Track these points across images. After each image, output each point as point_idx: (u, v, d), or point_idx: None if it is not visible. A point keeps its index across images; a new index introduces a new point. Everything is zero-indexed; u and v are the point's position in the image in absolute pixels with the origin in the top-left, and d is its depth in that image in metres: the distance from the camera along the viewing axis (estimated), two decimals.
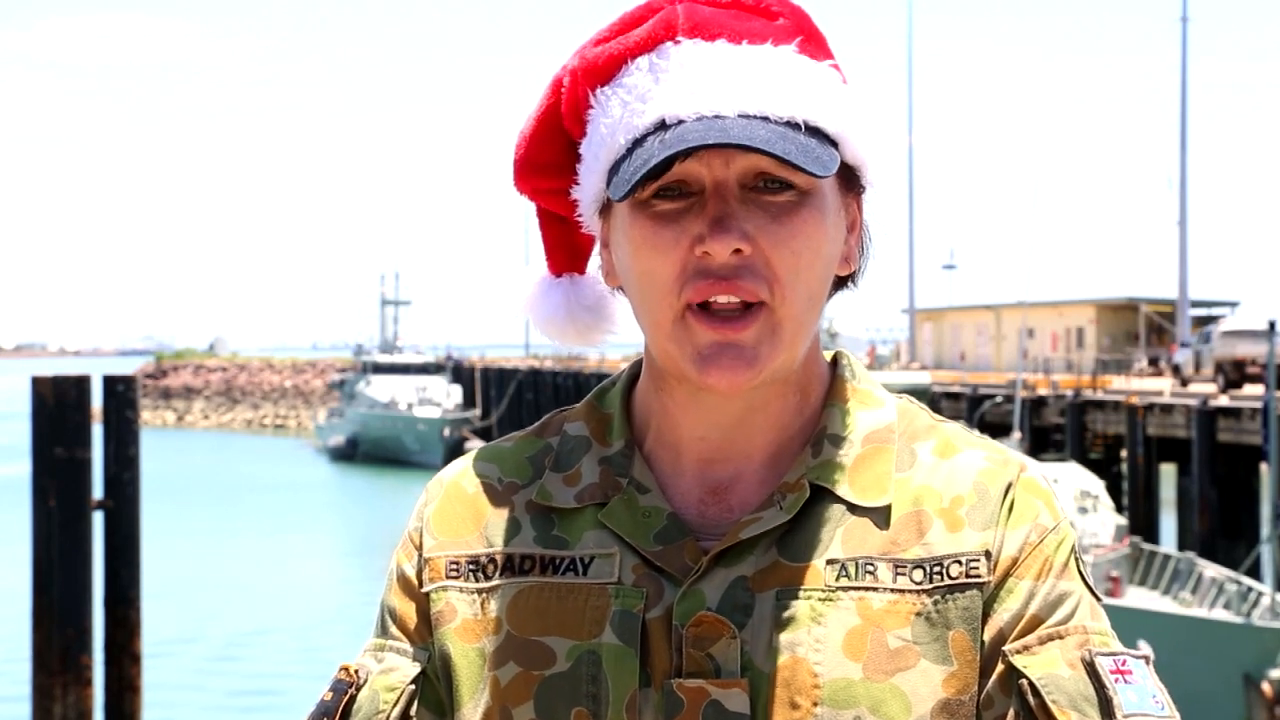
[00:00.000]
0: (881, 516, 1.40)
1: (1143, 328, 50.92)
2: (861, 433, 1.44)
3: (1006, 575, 1.38)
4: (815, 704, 1.34)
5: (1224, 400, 29.51)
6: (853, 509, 1.40)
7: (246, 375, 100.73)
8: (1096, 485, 23.86)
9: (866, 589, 1.37)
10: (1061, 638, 1.36)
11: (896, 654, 1.35)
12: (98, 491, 11.73)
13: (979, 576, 1.38)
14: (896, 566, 1.38)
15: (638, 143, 1.37)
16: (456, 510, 1.49)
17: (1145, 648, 1.43)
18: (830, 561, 1.38)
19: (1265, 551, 20.52)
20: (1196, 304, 48.28)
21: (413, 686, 1.44)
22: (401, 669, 1.45)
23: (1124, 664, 1.36)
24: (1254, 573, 22.50)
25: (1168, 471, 32.04)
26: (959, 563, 1.38)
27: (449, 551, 1.47)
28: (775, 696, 1.34)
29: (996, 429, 32.16)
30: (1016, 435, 29.00)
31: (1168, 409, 30.57)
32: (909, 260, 62.47)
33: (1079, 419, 33.64)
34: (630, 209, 1.39)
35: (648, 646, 1.37)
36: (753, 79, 1.36)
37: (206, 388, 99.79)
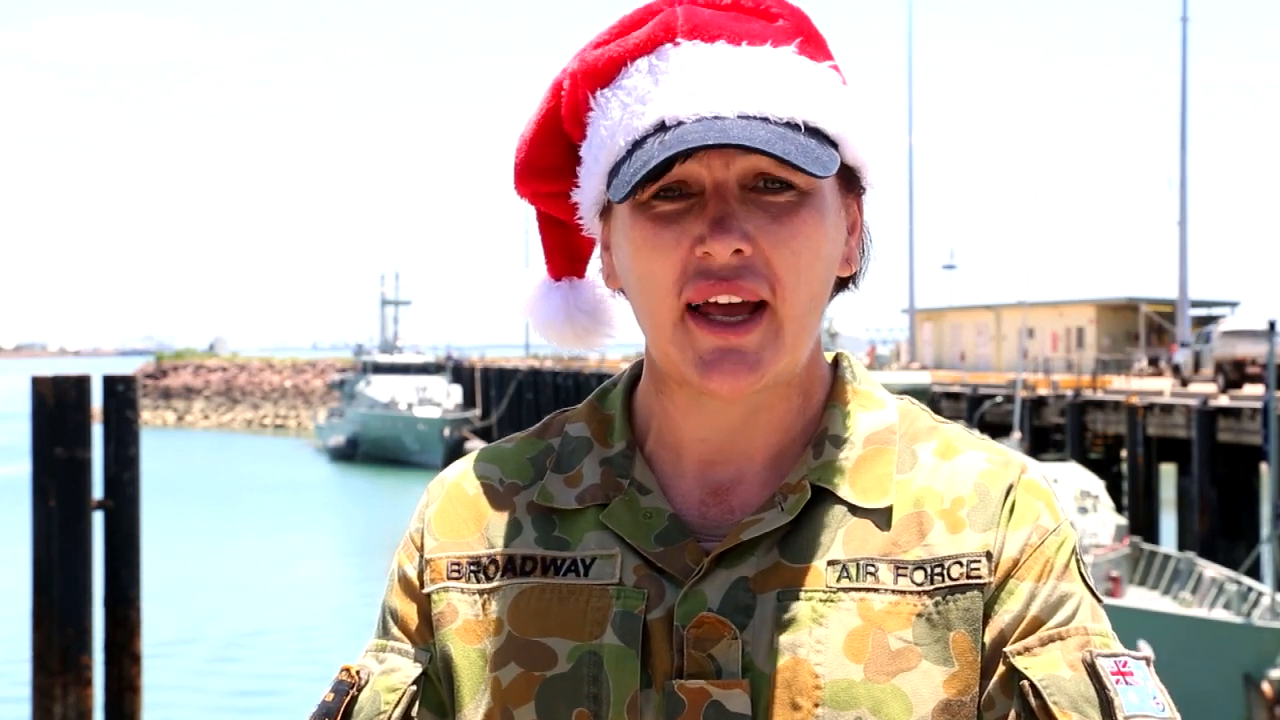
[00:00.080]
0: (883, 518, 1.40)
1: (1143, 328, 50.92)
2: (863, 434, 1.44)
3: (1007, 576, 1.38)
4: (816, 705, 1.34)
5: (1224, 400, 29.50)
6: (854, 510, 1.40)
7: (246, 375, 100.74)
8: (1096, 485, 23.85)
9: (868, 590, 1.37)
10: (1062, 639, 1.36)
11: (898, 655, 1.35)
12: (98, 491, 11.74)
13: (980, 578, 1.38)
14: (898, 568, 1.38)
15: (638, 144, 1.37)
16: (458, 511, 1.49)
17: (1145, 648, 1.43)
18: (831, 563, 1.38)
19: (1265, 551, 20.52)
20: (1196, 304, 48.28)
21: (414, 687, 1.44)
22: (403, 670, 1.45)
23: (1125, 665, 1.36)
24: (1254, 573, 22.50)
25: (1168, 471, 32.04)
26: (960, 564, 1.38)
27: (450, 552, 1.47)
28: (776, 697, 1.34)
29: (996, 429, 32.16)
30: (1016, 435, 29.00)
31: (1168, 409, 30.57)
32: (909, 260, 62.49)
33: (1079, 419, 33.63)
34: (630, 211, 1.39)
35: (649, 647, 1.37)
36: (752, 80, 1.36)
37: (206, 388, 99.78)
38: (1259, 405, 25.31)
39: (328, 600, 28.31)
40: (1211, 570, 20.51)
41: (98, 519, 11.70)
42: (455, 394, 68.29)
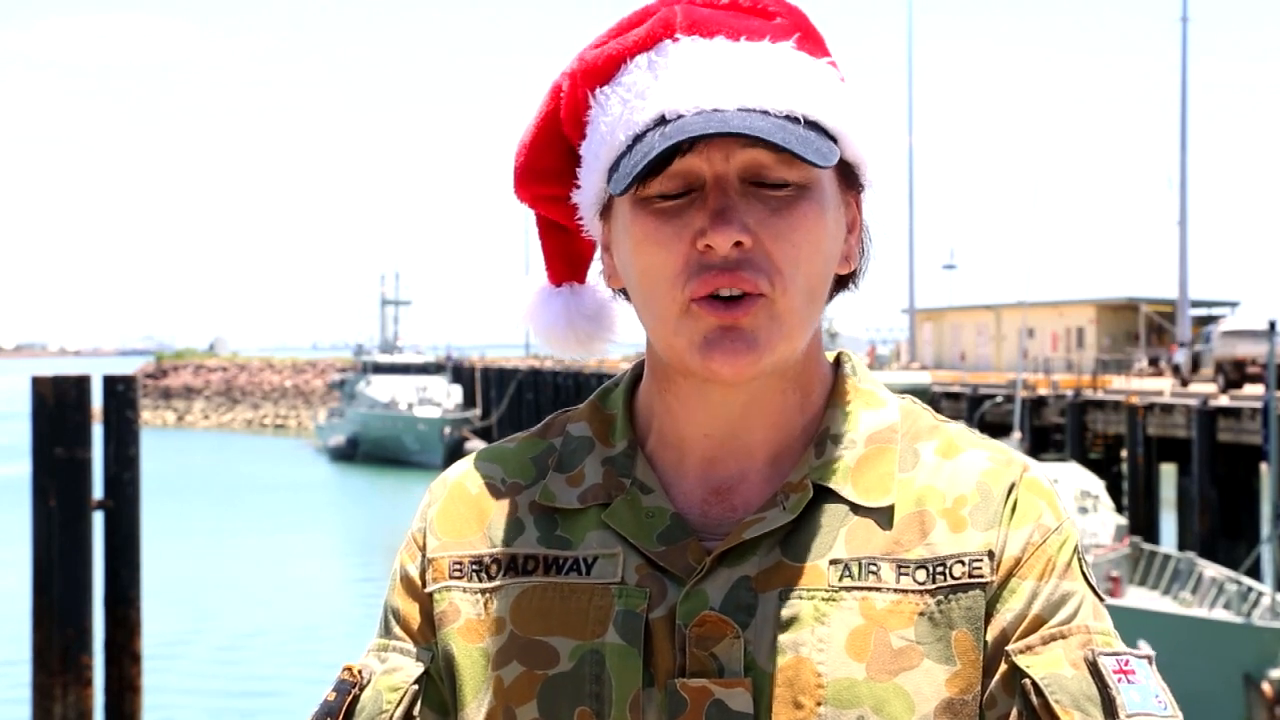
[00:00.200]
0: (884, 517, 1.40)
1: (1143, 328, 50.91)
2: (864, 433, 1.44)
3: (1009, 575, 1.38)
4: (819, 704, 1.34)
5: (1224, 400, 29.50)
6: (856, 509, 1.40)
7: (246, 375, 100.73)
8: (1096, 485, 23.85)
9: (870, 589, 1.37)
10: (1064, 637, 1.36)
11: (900, 654, 1.35)
12: (98, 491, 11.73)
13: (982, 576, 1.38)
14: (899, 567, 1.38)
15: (638, 138, 1.37)
16: (460, 511, 1.49)
17: (1145, 648, 1.43)
18: (833, 562, 1.38)
19: (1265, 551, 20.52)
20: (1196, 304, 48.28)
21: (416, 687, 1.44)
22: (405, 669, 1.45)
23: (1127, 664, 1.36)
24: (1254, 573, 22.50)
25: (1168, 471, 32.04)
26: (962, 563, 1.38)
27: (452, 552, 1.47)
28: (778, 696, 1.34)
29: (996, 429, 32.15)
30: (1016, 435, 28.99)
31: (1168, 409, 30.57)
32: (909, 260, 62.48)
33: (1079, 419, 33.63)
34: (631, 206, 1.39)
35: (651, 646, 1.37)
36: (752, 74, 1.37)
37: (206, 388, 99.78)
38: (1259, 405, 25.31)
39: (328, 600, 28.31)
40: (1211, 570, 20.51)
41: (98, 519, 11.69)
42: (455, 394, 68.27)
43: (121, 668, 12.08)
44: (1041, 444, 34.31)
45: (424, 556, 1.48)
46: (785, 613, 1.36)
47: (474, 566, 1.46)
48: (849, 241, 1.46)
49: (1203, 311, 49.00)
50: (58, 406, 11.21)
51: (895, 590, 1.37)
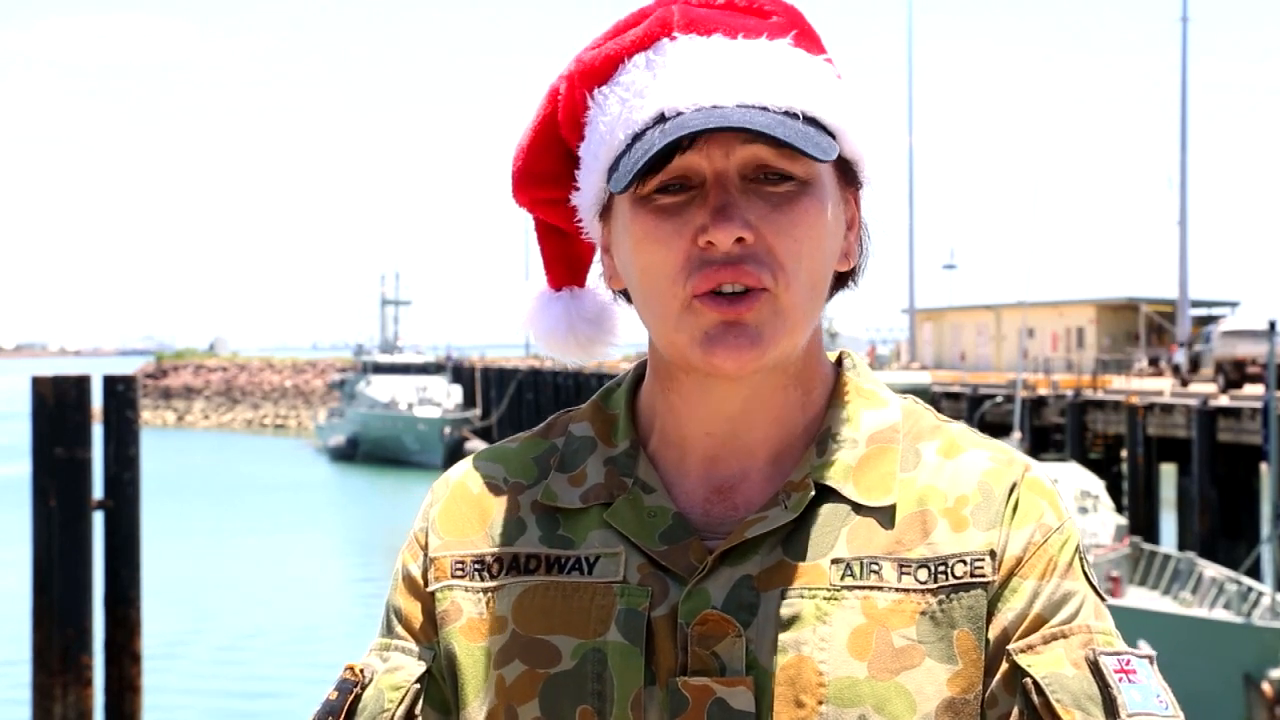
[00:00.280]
0: (886, 516, 1.40)
1: (1143, 328, 50.90)
2: (866, 432, 1.45)
3: (1011, 575, 1.38)
4: (820, 702, 1.34)
5: (1224, 400, 29.50)
6: (857, 508, 1.40)
7: (246, 375, 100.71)
8: (1096, 485, 23.85)
9: (871, 588, 1.37)
10: (1065, 637, 1.37)
11: (901, 653, 1.35)
12: (98, 491, 11.73)
13: (983, 576, 1.38)
14: (901, 566, 1.38)
15: (637, 137, 1.37)
16: (462, 510, 1.49)
17: (1146, 648, 1.43)
18: (835, 561, 1.38)
19: (1265, 551, 20.53)
20: (1196, 304, 48.27)
21: (417, 685, 1.45)
22: (406, 668, 1.45)
23: (1128, 663, 1.36)
24: (1254, 573, 22.50)
25: (1168, 471, 32.03)
26: (964, 562, 1.38)
27: (454, 551, 1.47)
28: (780, 695, 1.34)
29: (996, 429, 32.14)
30: (1016, 435, 28.98)
31: (1168, 409, 30.57)
32: (909, 260, 62.49)
33: (1079, 419, 33.63)
34: (631, 205, 1.39)
35: (653, 645, 1.37)
36: (750, 70, 1.37)
37: (206, 388, 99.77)
38: (1259, 405, 25.31)
39: (327, 600, 28.31)
40: (1211, 570, 20.50)
41: (98, 519, 11.69)
42: (455, 394, 68.25)
43: (121, 668, 12.08)
44: (1041, 444, 34.30)
45: (426, 556, 1.48)
46: (787, 611, 1.36)
47: (476, 566, 1.46)
48: (848, 238, 1.46)
49: (1203, 311, 48.98)
50: (58, 406, 11.21)
51: (897, 589, 1.37)
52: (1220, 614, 18.19)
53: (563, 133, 1.46)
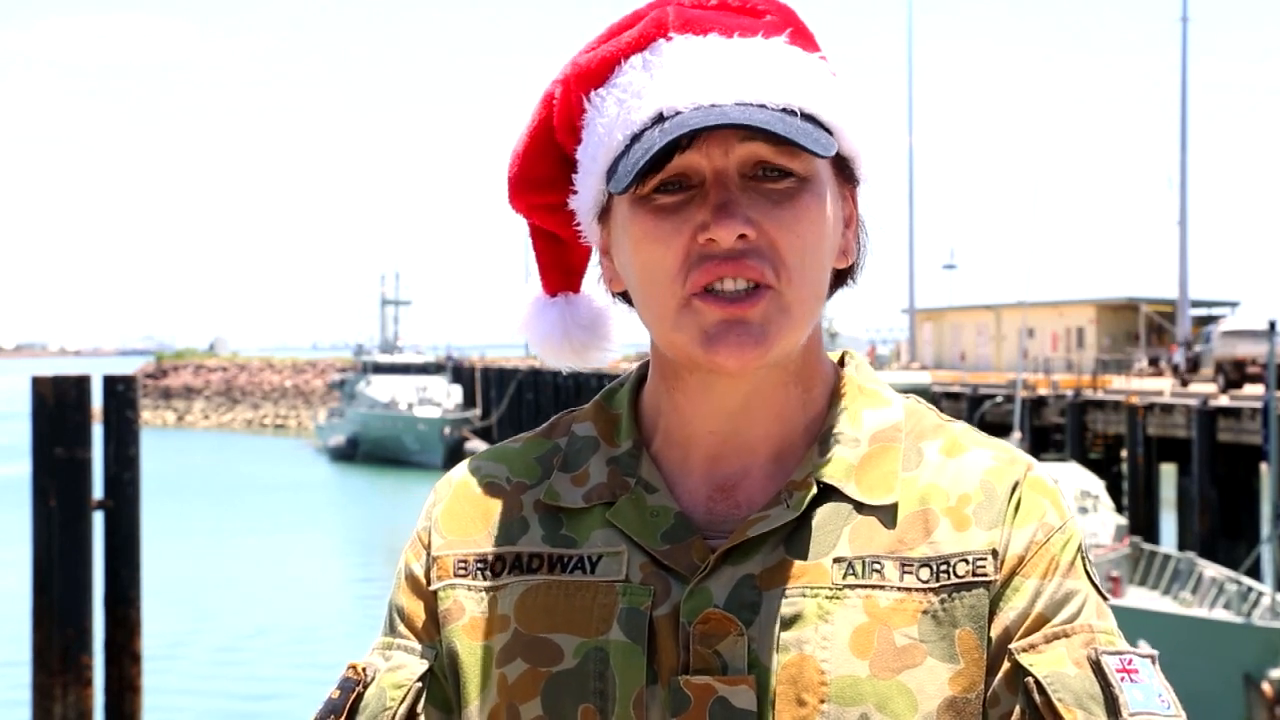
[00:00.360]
0: (888, 515, 1.40)
1: (1143, 328, 50.90)
2: (868, 431, 1.45)
3: (1013, 574, 1.38)
4: (822, 701, 1.34)
5: (1224, 400, 29.50)
6: (860, 507, 1.40)
7: (246, 375, 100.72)
8: (1096, 485, 23.85)
9: (873, 587, 1.37)
10: (1067, 636, 1.37)
11: (903, 652, 1.35)
12: (98, 491, 11.72)
13: (985, 575, 1.38)
14: (903, 565, 1.38)
15: (636, 138, 1.37)
16: (465, 510, 1.49)
17: (1147, 647, 1.43)
18: (837, 560, 1.38)
19: (1265, 551, 20.52)
20: (1196, 304, 48.28)
21: (419, 684, 1.45)
22: (409, 667, 1.46)
23: (1130, 663, 1.36)
24: (1254, 573, 22.49)
25: (1168, 471, 32.03)
26: (965, 561, 1.38)
27: (457, 550, 1.47)
28: (782, 693, 1.34)
29: (996, 429, 32.12)
30: (1016, 435, 28.98)
31: (1168, 409, 30.56)
32: (909, 260, 62.54)
33: (1079, 419, 33.63)
34: (630, 206, 1.39)
35: (655, 644, 1.37)
36: (747, 69, 1.37)
37: (206, 388, 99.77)
38: (1259, 405, 25.31)
39: (327, 600, 28.31)
40: (1211, 570, 20.50)
41: (98, 519, 11.69)
42: (455, 394, 68.24)
43: (121, 668, 12.08)
44: (1041, 444, 34.29)
45: (429, 555, 1.49)
46: (789, 610, 1.36)
47: (478, 565, 1.46)
48: (846, 236, 1.47)
49: (1203, 311, 48.99)
50: (58, 406, 11.21)
51: (899, 588, 1.37)
52: (1220, 614, 18.20)
53: (558, 137, 1.46)
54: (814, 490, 1.40)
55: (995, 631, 1.37)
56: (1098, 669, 1.35)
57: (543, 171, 1.48)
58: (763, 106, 1.36)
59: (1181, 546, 26.42)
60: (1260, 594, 18.51)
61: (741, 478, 1.44)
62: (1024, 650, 1.36)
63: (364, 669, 1.47)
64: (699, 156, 1.37)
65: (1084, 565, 1.41)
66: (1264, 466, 23.04)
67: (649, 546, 1.41)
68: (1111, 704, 1.34)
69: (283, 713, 19.33)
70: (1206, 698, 15.58)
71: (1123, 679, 1.35)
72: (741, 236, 1.35)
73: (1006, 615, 1.37)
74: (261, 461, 64.80)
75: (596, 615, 1.40)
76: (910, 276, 62.88)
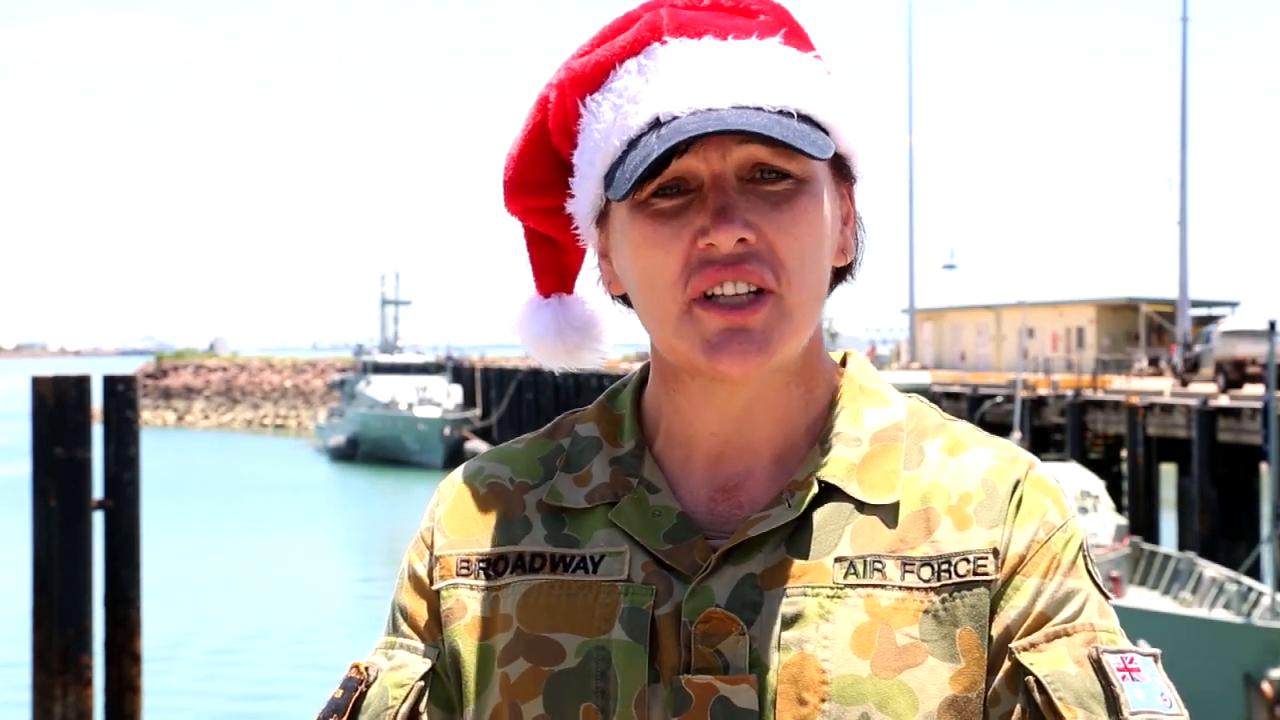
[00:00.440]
0: (890, 514, 1.40)
1: (1143, 328, 50.91)
2: (870, 431, 1.45)
3: (1014, 573, 1.39)
4: (823, 700, 1.34)
5: (1224, 400, 29.51)
6: (861, 507, 1.41)
7: (246, 375, 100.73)
8: (1096, 485, 23.86)
9: (875, 586, 1.37)
10: (1068, 635, 1.37)
11: (904, 651, 1.35)
12: (98, 491, 11.72)
13: (987, 574, 1.38)
14: (904, 564, 1.38)
15: (633, 143, 1.38)
16: (467, 510, 1.50)
17: (1148, 647, 1.43)
18: (839, 559, 1.38)
19: (1265, 551, 20.51)
20: (1196, 304, 48.29)
21: (422, 683, 1.45)
22: (411, 666, 1.46)
23: (1131, 662, 1.36)
24: (1254, 573, 22.49)
25: (1168, 471, 32.04)
26: (967, 560, 1.38)
27: (459, 550, 1.48)
28: (783, 693, 1.35)
29: (997, 429, 32.09)
30: (1016, 435, 28.99)
31: (1168, 409, 30.57)
32: (909, 260, 62.58)
33: (1079, 419, 33.64)
34: (629, 210, 1.40)
35: (657, 643, 1.38)
36: (743, 71, 1.37)
37: (206, 388, 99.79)
38: (1259, 405, 25.31)
39: (327, 600, 28.30)
40: (1211, 570, 20.51)
41: (98, 519, 11.69)
42: (455, 394, 68.22)
43: (121, 668, 12.08)
44: (1041, 444, 34.30)
45: (431, 554, 1.49)
46: (790, 610, 1.36)
47: (481, 564, 1.46)
48: (844, 233, 1.47)
49: (1203, 311, 49.01)
50: (58, 406, 11.21)
51: (900, 588, 1.37)
52: (1220, 614, 18.20)
53: (554, 140, 1.46)
54: (815, 490, 1.40)
55: (996, 630, 1.37)
56: (1099, 668, 1.35)
57: (539, 175, 1.48)
58: (759, 109, 1.36)
59: (1181, 546, 26.42)
60: (1260, 594, 18.51)
61: (744, 478, 1.44)
62: (1025, 649, 1.36)
63: (367, 668, 1.47)
64: (696, 161, 1.37)
65: (1086, 564, 1.41)
66: (1264, 466, 23.04)
67: (651, 546, 1.41)
68: (1113, 703, 1.34)
69: (283, 713, 19.33)
70: (1206, 698, 15.58)
71: (1124, 678, 1.35)
72: (741, 241, 1.35)
73: (1007, 614, 1.38)
74: (261, 461, 64.80)
75: (599, 615, 1.40)
76: (910, 276, 62.96)
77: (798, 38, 1.44)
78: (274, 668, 22.25)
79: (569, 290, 1.56)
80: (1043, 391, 36.41)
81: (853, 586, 1.37)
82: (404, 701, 1.44)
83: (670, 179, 1.37)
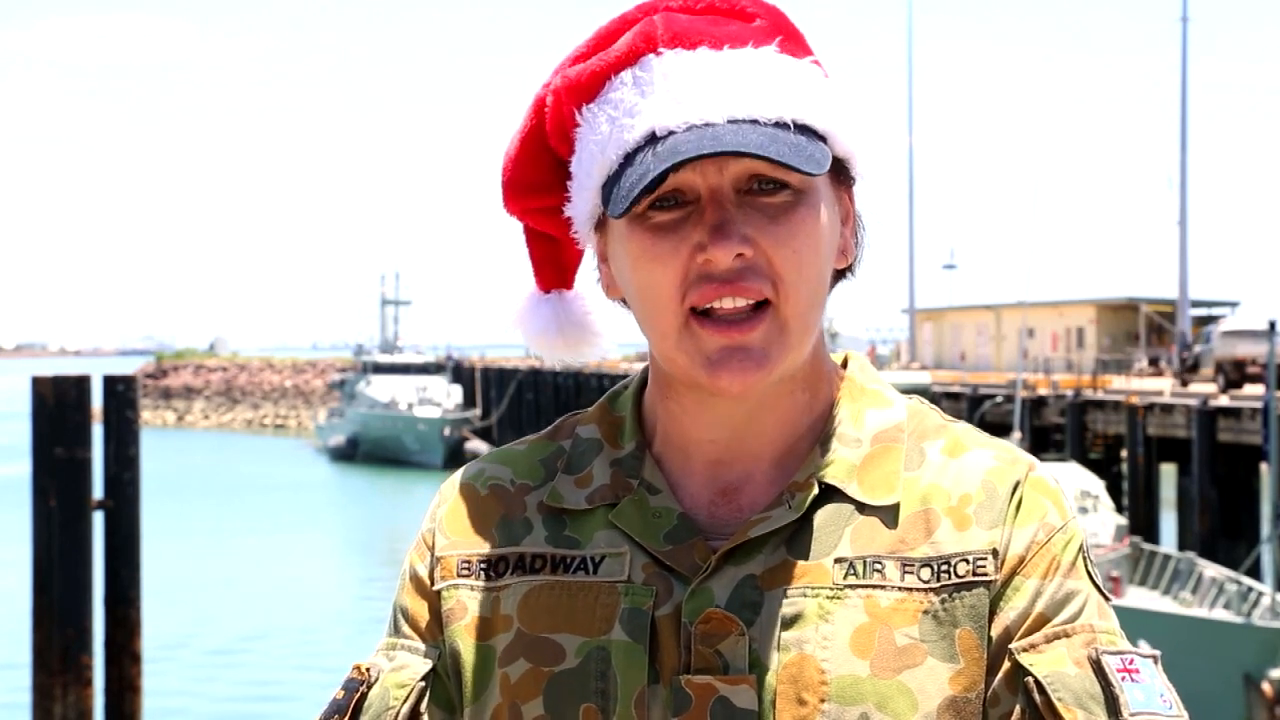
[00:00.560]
0: (890, 515, 1.40)
1: (1143, 328, 50.91)
2: (870, 432, 1.45)
3: (1013, 573, 1.39)
4: (822, 700, 1.34)
5: (1224, 400, 29.51)
6: (861, 508, 1.41)
7: (246, 375, 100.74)
8: (1096, 485, 23.86)
9: (874, 587, 1.37)
10: (1068, 636, 1.37)
11: (904, 651, 1.36)
12: (98, 491, 11.72)
13: (986, 575, 1.38)
14: (904, 565, 1.38)
15: (629, 158, 1.38)
16: (468, 511, 1.50)
17: (1147, 647, 1.43)
18: (838, 560, 1.39)
19: (1265, 551, 20.52)
20: (1196, 304, 48.29)
21: (423, 684, 1.46)
22: (412, 666, 1.46)
23: (1131, 663, 1.37)
24: (1254, 573, 22.50)
25: (1168, 471, 32.04)
26: (966, 561, 1.38)
27: (460, 551, 1.48)
28: (782, 693, 1.35)
29: (997, 429, 32.11)
30: (1016, 435, 28.99)
31: (1168, 409, 30.57)
32: (909, 260, 62.58)
33: (1079, 419, 33.64)
34: (627, 222, 1.40)
35: (657, 643, 1.38)
36: (738, 84, 1.37)
37: (206, 388, 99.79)
38: (1259, 405, 25.32)
39: (327, 600, 28.31)
40: (1211, 570, 20.51)
41: (98, 519, 11.69)
42: (455, 394, 68.24)
43: (121, 668, 12.08)
44: (1041, 444, 34.30)
45: (432, 555, 1.49)
46: (790, 610, 1.37)
47: (482, 565, 1.47)
48: (844, 234, 1.47)
49: (1203, 311, 49.00)
50: (58, 406, 11.21)
51: (900, 588, 1.37)
52: (1220, 614, 18.20)
53: (552, 143, 1.46)
54: (815, 491, 1.41)
55: (996, 631, 1.38)
56: (1098, 669, 1.36)
57: (537, 176, 1.48)
58: (754, 121, 1.36)
59: (1181, 546, 26.43)
60: (1260, 594, 18.52)
61: (744, 481, 1.44)
62: (1024, 650, 1.37)
63: (368, 669, 1.48)
64: (693, 175, 1.37)
65: (1085, 565, 1.41)
66: (1264, 466, 23.05)
67: (651, 547, 1.41)
68: (1112, 704, 1.34)
69: (283, 713, 19.34)
70: (1206, 698, 15.58)
71: (1123, 679, 1.35)
72: (738, 256, 1.36)
73: (1007, 615, 1.38)
74: (261, 461, 64.81)
75: (599, 615, 1.40)
76: (910, 276, 62.97)
77: (794, 42, 1.43)
78: (274, 668, 22.26)
79: (569, 286, 1.56)
80: (1043, 391, 36.41)
81: (852, 587, 1.38)
82: (405, 702, 1.45)
83: (667, 192, 1.37)
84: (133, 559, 12.18)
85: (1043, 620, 1.37)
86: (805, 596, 1.37)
